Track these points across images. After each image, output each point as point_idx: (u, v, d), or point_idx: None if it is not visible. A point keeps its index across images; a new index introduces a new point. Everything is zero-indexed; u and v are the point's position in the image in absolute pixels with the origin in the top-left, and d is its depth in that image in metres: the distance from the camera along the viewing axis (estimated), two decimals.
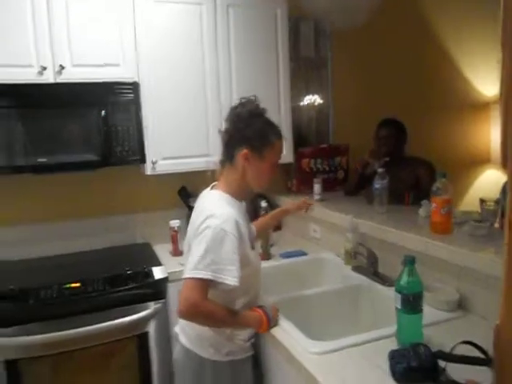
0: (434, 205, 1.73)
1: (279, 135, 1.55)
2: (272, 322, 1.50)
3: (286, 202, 2.64)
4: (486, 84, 3.63)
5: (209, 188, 1.60)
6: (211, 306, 1.38)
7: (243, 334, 1.52)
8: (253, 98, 1.55)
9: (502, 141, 0.74)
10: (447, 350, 1.16)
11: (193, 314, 1.37)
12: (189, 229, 1.56)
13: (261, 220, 2.03)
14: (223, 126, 1.58)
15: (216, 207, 1.45)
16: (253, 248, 1.58)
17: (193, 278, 1.34)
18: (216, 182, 1.59)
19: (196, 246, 1.39)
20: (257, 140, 1.48)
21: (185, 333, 1.55)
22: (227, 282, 1.35)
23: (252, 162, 1.49)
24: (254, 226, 1.80)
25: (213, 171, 1.88)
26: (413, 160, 2.62)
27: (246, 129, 1.49)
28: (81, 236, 2.51)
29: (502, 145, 0.74)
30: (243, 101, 1.55)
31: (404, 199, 2.30)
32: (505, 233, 0.79)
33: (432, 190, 1.73)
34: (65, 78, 2.15)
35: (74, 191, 2.53)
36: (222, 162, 1.56)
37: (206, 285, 1.35)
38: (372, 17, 2.93)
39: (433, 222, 1.75)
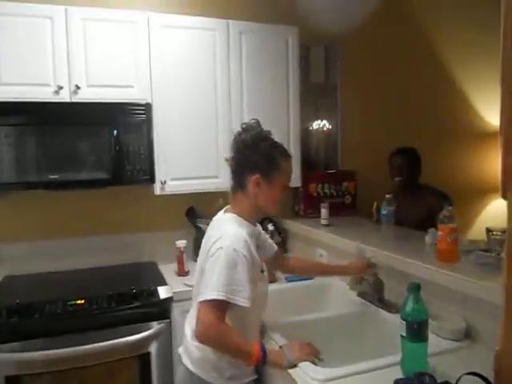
0: (440, 233, 1.73)
1: (287, 156, 1.54)
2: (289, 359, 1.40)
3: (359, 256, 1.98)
4: (494, 114, 3.65)
5: (222, 211, 1.60)
6: (227, 327, 1.37)
7: None
8: (254, 122, 1.55)
9: (502, 173, 0.74)
10: (453, 380, 1.14)
11: (210, 336, 1.37)
12: (201, 251, 1.56)
13: (325, 268, 2.08)
14: (230, 154, 1.55)
15: (227, 229, 1.46)
16: (262, 271, 1.56)
17: (208, 300, 1.34)
18: (228, 206, 1.59)
19: (210, 267, 1.39)
20: (265, 165, 1.48)
21: (188, 354, 1.53)
22: (239, 303, 1.35)
23: (263, 187, 1.48)
24: (274, 246, 1.79)
25: (224, 195, 1.88)
26: (428, 190, 2.56)
27: (253, 155, 1.48)
28: (88, 253, 2.52)
29: (501, 176, 0.74)
30: (246, 126, 1.54)
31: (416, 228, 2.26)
32: (504, 259, 0.79)
33: (439, 218, 1.73)
34: (80, 97, 2.21)
35: (84, 209, 2.56)
36: (233, 189, 1.56)
37: (221, 306, 1.35)
38: (383, 47, 2.99)
39: (439, 249, 1.74)
